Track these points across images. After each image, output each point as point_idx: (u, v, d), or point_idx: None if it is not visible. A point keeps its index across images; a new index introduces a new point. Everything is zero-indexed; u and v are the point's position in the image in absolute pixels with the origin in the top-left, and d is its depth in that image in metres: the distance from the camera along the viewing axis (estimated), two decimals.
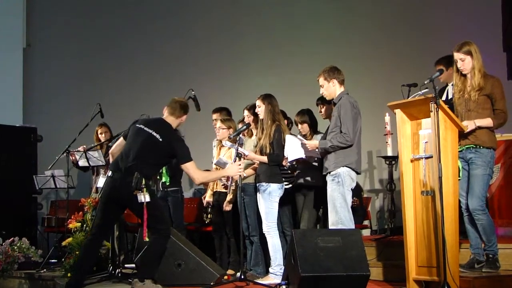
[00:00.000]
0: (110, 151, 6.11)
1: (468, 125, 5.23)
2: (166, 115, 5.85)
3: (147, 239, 5.52)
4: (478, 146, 5.28)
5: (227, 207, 6.86)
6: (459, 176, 5.26)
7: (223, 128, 7.01)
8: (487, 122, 5.28)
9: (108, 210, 5.63)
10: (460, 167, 5.28)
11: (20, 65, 10.43)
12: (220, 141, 7.08)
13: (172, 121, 5.81)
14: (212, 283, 5.98)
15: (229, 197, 6.81)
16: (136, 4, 11.15)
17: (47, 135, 9.56)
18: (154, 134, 5.62)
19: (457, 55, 5.38)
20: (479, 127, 5.26)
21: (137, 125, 5.75)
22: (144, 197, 5.42)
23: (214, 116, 7.49)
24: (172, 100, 5.88)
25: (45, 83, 10.59)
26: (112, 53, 10.87)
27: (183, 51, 11.09)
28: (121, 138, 5.90)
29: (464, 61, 5.36)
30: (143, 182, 5.43)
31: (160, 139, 5.60)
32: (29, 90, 10.41)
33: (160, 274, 6.01)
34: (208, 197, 7.37)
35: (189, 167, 5.65)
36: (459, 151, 5.29)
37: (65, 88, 10.62)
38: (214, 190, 7.25)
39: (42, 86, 10.55)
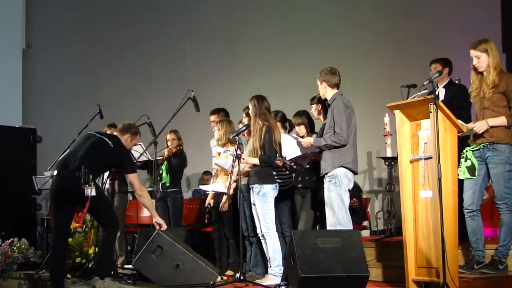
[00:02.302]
0: None
1: (481, 126, 5.22)
2: (115, 133, 6.30)
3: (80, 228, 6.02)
4: (494, 143, 5.25)
5: (224, 207, 6.86)
6: (474, 175, 5.26)
7: (216, 129, 7.11)
8: (501, 120, 5.22)
9: (62, 210, 5.85)
10: (476, 166, 5.27)
11: (19, 66, 10.40)
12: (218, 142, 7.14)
13: (120, 137, 6.17)
14: (211, 282, 5.99)
15: (225, 197, 6.82)
16: (135, 5, 11.14)
17: (46, 135, 9.54)
18: (106, 139, 6.01)
19: (473, 52, 5.35)
20: (492, 127, 5.22)
21: (87, 132, 6.19)
22: (90, 191, 5.70)
23: (212, 117, 7.55)
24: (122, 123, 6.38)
25: (45, 84, 10.58)
26: (111, 54, 10.86)
27: (183, 52, 11.10)
28: None
29: (480, 59, 5.33)
30: (91, 177, 5.71)
31: (112, 145, 5.97)
32: (28, 91, 10.40)
33: (160, 276, 6.00)
34: (209, 198, 7.37)
35: (133, 178, 6.03)
36: (476, 150, 5.32)
37: (65, 89, 10.61)
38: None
39: (42, 86, 10.54)
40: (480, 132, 5.25)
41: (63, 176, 5.83)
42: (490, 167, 5.28)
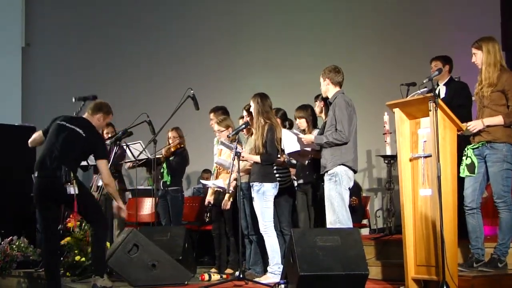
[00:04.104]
0: (29, 142, 6.26)
1: (475, 125, 5.23)
2: (86, 115, 6.11)
3: (77, 229, 6.01)
4: (491, 142, 5.24)
5: (226, 205, 6.86)
6: (473, 173, 5.27)
7: (222, 130, 7.00)
8: (497, 120, 5.22)
9: (47, 210, 5.81)
10: (476, 163, 5.28)
11: (18, 64, 10.40)
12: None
13: (90, 119, 6.05)
14: (186, 283, 6.00)
15: (227, 195, 6.81)
16: (136, 4, 11.14)
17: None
18: (77, 129, 5.87)
19: (472, 50, 5.38)
20: (489, 126, 5.22)
21: (58, 121, 5.97)
22: (74, 189, 5.64)
23: (211, 116, 7.51)
24: (93, 101, 6.24)
25: (44, 82, 10.58)
26: (111, 53, 10.86)
27: (183, 51, 11.09)
28: (40, 132, 6.13)
29: (476, 55, 5.35)
30: (72, 174, 5.65)
31: (84, 134, 5.86)
32: (27, 89, 10.40)
33: (135, 276, 5.93)
34: (209, 196, 7.36)
35: (103, 165, 5.90)
36: (475, 148, 5.32)
37: (64, 87, 10.58)
38: (215, 189, 7.25)
39: (41, 85, 10.54)
40: (474, 131, 5.25)
41: (44, 177, 5.76)
42: (488, 166, 5.29)
